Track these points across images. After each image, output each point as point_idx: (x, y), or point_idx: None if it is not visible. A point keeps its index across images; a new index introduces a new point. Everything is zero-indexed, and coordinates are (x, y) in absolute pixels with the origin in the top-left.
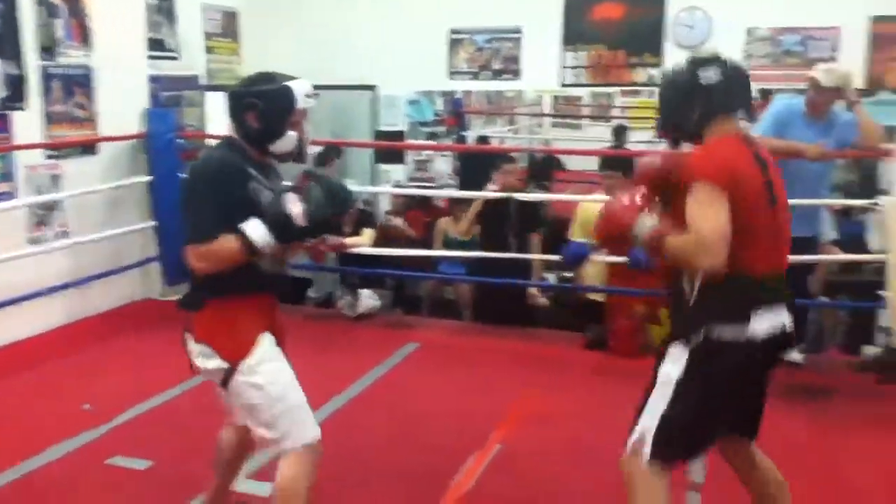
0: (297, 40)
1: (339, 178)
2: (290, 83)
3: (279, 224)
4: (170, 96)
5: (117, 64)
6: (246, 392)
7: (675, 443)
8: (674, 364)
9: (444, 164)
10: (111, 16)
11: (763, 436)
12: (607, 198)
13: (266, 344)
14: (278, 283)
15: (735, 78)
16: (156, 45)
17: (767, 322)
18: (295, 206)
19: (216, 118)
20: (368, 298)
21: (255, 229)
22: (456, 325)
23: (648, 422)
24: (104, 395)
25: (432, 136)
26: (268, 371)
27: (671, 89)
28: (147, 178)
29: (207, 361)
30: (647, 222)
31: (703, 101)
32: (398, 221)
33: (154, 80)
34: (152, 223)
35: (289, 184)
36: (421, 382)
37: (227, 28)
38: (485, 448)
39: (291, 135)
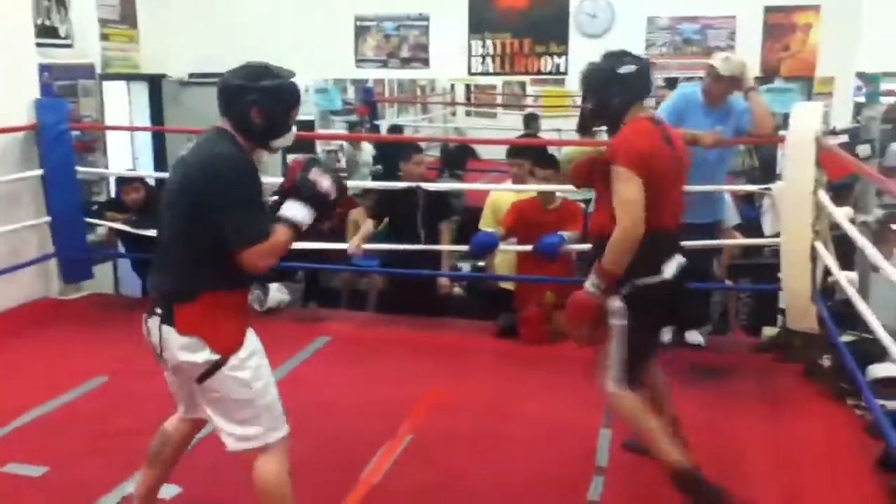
0: (199, 27)
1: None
2: (294, 79)
3: (318, 200)
4: (64, 86)
5: (2, 52)
6: (230, 387)
7: (637, 370)
8: (617, 317)
9: (366, 154)
10: None
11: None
12: (515, 185)
13: (252, 338)
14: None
15: (644, 69)
16: (48, 32)
17: (674, 265)
18: (324, 181)
19: (114, 108)
20: (277, 292)
21: (298, 211)
22: (368, 318)
23: (615, 366)
24: None
25: (353, 125)
26: (254, 366)
27: (594, 81)
28: (39, 172)
29: (193, 355)
30: (589, 283)
31: (622, 90)
32: None
33: (45, 69)
34: (46, 219)
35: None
36: (331, 376)
37: (125, 14)
38: (395, 439)
39: (293, 130)
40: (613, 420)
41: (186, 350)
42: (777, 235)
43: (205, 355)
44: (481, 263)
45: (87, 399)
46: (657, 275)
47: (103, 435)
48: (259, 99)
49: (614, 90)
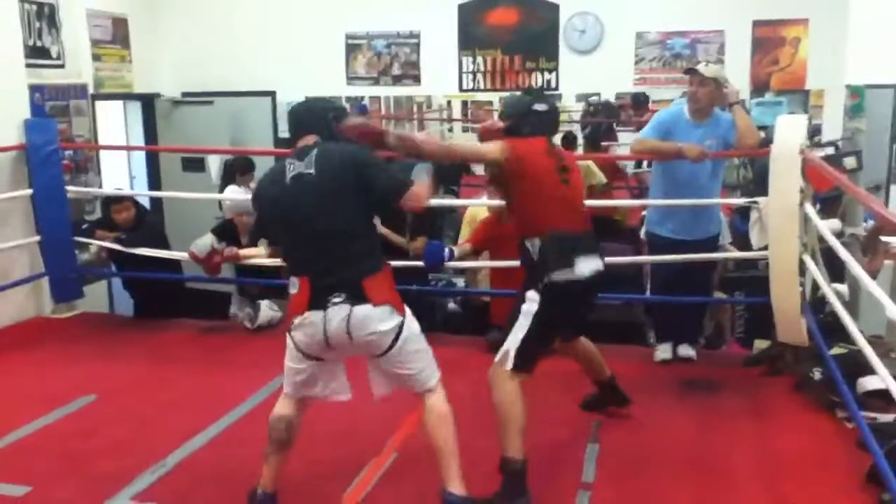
0: (192, 47)
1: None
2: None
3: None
4: (56, 106)
5: None
6: (414, 340)
7: (530, 355)
8: (531, 304)
9: None
10: None
11: (651, 427)
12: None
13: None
14: None
15: (553, 111)
16: (39, 52)
17: (589, 265)
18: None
19: (110, 128)
20: (268, 309)
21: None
22: None
23: (512, 343)
24: None
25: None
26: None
27: (512, 109)
28: (28, 192)
29: (387, 322)
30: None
31: (535, 121)
32: None
33: (37, 89)
34: (36, 238)
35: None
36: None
37: (116, 35)
38: (381, 456)
39: None
40: (600, 435)
41: (381, 321)
42: (765, 248)
43: (397, 319)
44: (443, 276)
45: (73, 418)
46: (570, 269)
47: (88, 454)
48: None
49: (529, 119)
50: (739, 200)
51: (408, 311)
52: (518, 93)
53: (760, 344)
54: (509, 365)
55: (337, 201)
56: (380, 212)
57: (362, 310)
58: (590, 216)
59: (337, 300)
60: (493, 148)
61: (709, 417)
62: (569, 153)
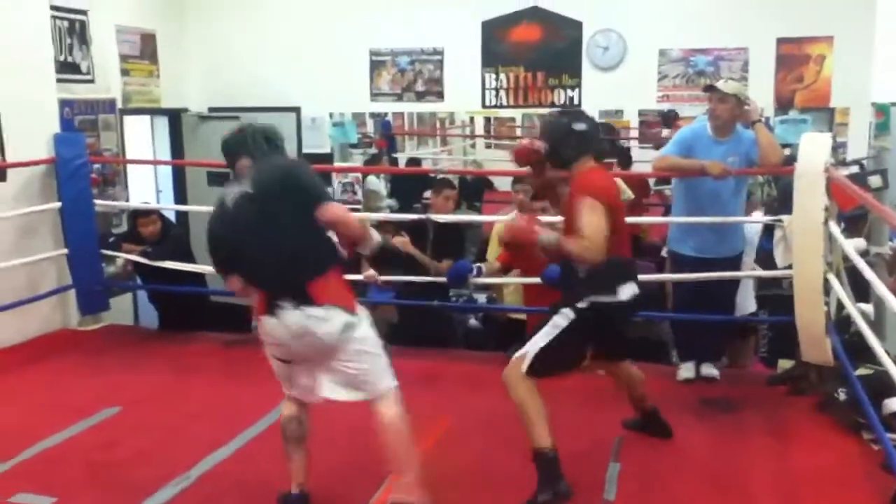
0: (218, 62)
1: None
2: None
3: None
4: (85, 120)
5: (24, 87)
6: (364, 342)
7: (546, 364)
8: (563, 318)
9: (381, 186)
10: (15, 38)
11: (672, 446)
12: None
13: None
14: None
15: (595, 128)
16: (70, 68)
17: (629, 290)
18: None
19: (138, 142)
20: None
21: None
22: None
23: (532, 347)
24: (10, 429)
25: (374, 158)
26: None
27: (555, 132)
28: (57, 205)
29: (333, 321)
30: (550, 233)
31: (575, 143)
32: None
33: (67, 104)
34: (64, 251)
35: None
36: (341, 405)
37: (145, 50)
38: None
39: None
40: (621, 453)
41: (326, 320)
42: (790, 267)
43: (344, 317)
44: (465, 291)
45: (98, 429)
46: (613, 296)
47: (112, 465)
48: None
49: (569, 142)
50: (763, 219)
51: (364, 314)
52: (553, 112)
53: (784, 364)
54: (525, 367)
55: (277, 211)
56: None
57: (308, 311)
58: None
59: (285, 305)
60: (596, 212)
61: (731, 437)
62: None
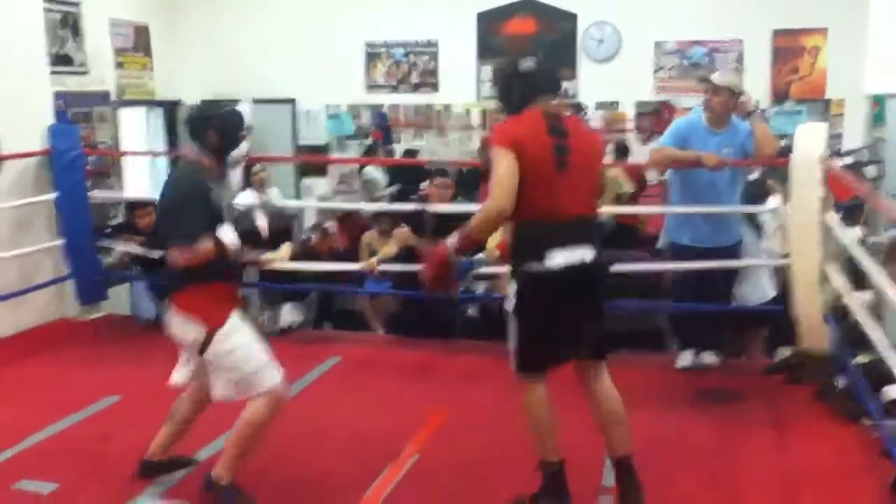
0: (213, 55)
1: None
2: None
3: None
4: (79, 112)
5: (17, 79)
6: (225, 351)
7: (528, 357)
8: (509, 301)
9: (380, 176)
10: (7, 31)
11: (669, 434)
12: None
13: (235, 317)
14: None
15: (545, 69)
16: (63, 60)
17: (562, 257)
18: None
19: (132, 134)
20: (289, 314)
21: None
22: (380, 339)
23: (511, 345)
24: (12, 418)
25: (370, 149)
26: (236, 339)
27: (499, 76)
28: (52, 196)
29: (187, 330)
30: (450, 239)
31: (522, 84)
32: (332, 227)
33: (61, 96)
34: (60, 242)
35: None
36: (339, 396)
37: (138, 42)
38: (400, 460)
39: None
40: None
41: (181, 328)
42: (786, 256)
43: (195, 329)
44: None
45: (98, 418)
46: (540, 263)
47: (111, 453)
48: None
49: (514, 83)
50: (759, 208)
51: (230, 322)
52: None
53: (783, 352)
54: (513, 366)
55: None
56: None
57: (170, 316)
58: (616, 222)
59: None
60: (502, 160)
61: (728, 426)
62: (576, 122)
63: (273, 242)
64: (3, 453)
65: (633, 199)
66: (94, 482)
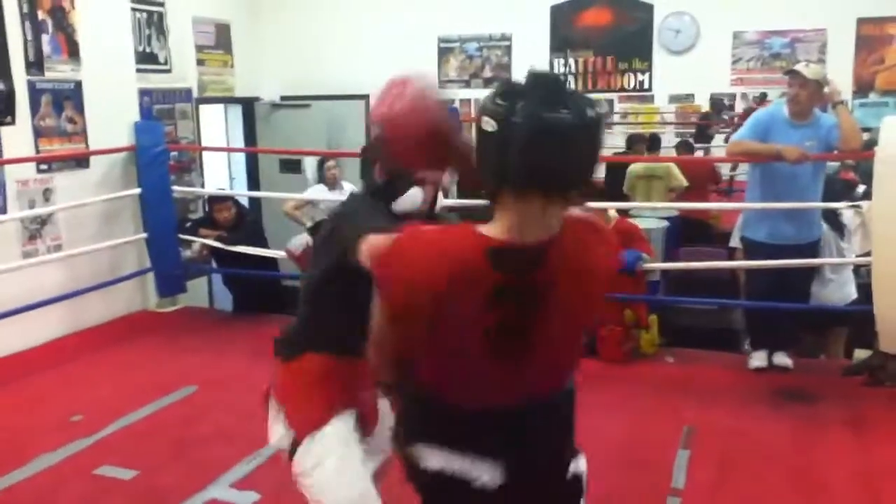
0: (290, 52)
1: None
2: None
3: None
4: (162, 109)
5: (106, 78)
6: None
7: None
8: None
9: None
10: (98, 30)
11: (744, 435)
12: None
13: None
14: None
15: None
16: (147, 58)
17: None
18: None
19: (212, 130)
20: None
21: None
22: None
23: None
24: (95, 405)
25: None
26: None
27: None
28: (137, 191)
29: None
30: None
31: (496, 155)
32: None
33: (145, 93)
34: (143, 235)
35: None
36: None
37: (220, 40)
38: None
39: None
40: (690, 442)
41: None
42: (867, 254)
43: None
44: None
45: (177, 407)
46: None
47: (189, 442)
48: None
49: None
50: (842, 204)
51: (326, 430)
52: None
53: (860, 354)
54: None
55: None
56: None
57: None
58: (686, 218)
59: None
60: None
61: (805, 427)
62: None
63: None
64: (86, 440)
65: (699, 193)
66: (173, 468)
